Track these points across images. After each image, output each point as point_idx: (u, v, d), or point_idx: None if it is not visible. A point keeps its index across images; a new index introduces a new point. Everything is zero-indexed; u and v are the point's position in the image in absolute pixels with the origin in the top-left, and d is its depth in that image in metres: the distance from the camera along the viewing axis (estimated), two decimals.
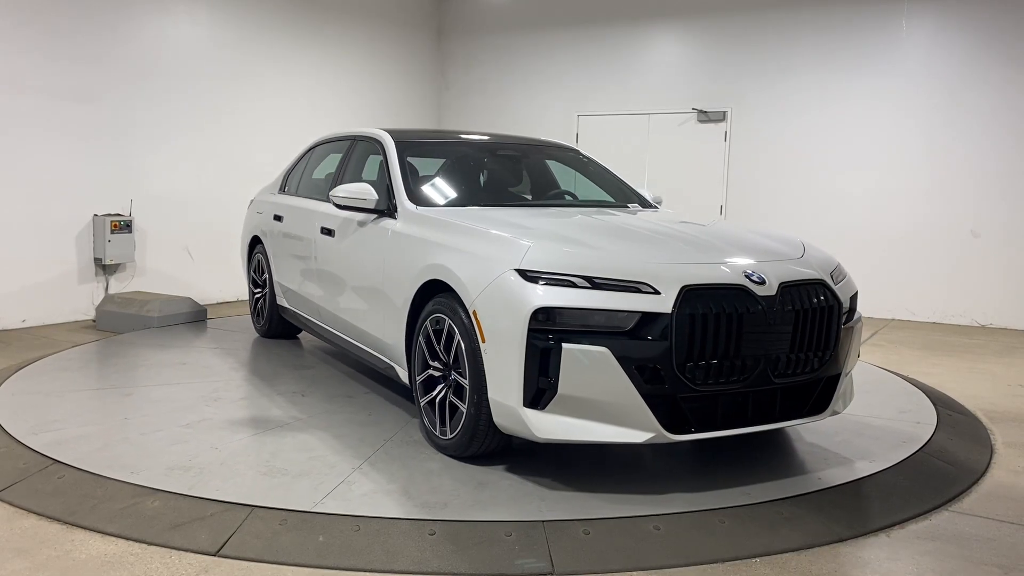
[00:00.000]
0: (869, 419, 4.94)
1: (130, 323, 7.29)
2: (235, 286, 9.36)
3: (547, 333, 3.48)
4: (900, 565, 3.12)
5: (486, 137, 6.04)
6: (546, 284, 3.56)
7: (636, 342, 3.44)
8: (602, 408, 3.49)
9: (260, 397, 5.18)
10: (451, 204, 4.94)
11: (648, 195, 5.53)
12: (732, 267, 3.72)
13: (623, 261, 3.69)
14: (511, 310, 3.56)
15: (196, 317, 7.66)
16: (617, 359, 3.41)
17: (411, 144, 5.37)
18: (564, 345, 3.44)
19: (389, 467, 3.96)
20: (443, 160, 5.59)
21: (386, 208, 4.85)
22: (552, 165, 5.88)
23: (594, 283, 3.53)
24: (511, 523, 3.32)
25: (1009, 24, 8.64)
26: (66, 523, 3.31)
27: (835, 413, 4.06)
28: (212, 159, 9.04)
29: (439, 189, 5.16)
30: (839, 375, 3.97)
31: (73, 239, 7.80)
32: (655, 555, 3.14)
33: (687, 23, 10.41)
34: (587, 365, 3.43)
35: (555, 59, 11.28)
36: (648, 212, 5.20)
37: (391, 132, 5.47)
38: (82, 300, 7.89)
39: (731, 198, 10.21)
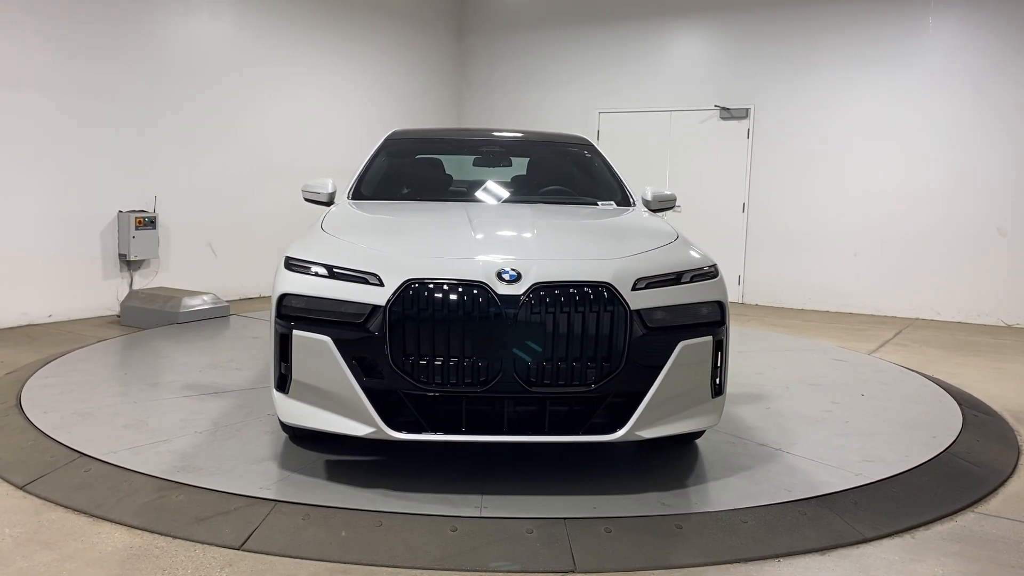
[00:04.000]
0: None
1: (154, 319, 7.36)
2: (257, 282, 9.42)
3: (290, 319, 3.55)
4: (925, 567, 3.09)
5: (490, 134, 6.07)
6: (294, 271, 3.63)
7: (356, 333, 3.42)
8: (330, 397, 3.50)
9: (245, 370, 5.54)
10: (381, 198, 5.04)
11: (648, 193, 5.17)
12: (485, 263, 3.48)
13: (369, 252, 3.65)
14: (273, 296, 3.67)
15: (219, 313, 7.72)
16: (338, 349, 3.41)
17: (397, 140, 5.55)
18: (295, 332, 3.50)
19: (218, 435, 4.30)
20: (439, 155, 5.71)
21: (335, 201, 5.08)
22: (548, 160, 5.78)
23: (332, 272, 3.54)
24: (533, 520, 3.32)
25: None
26: (92, 516, 3.34)
27: (637, 438, 3.51)
28: (235, 156, 9.10)
29: (390, 183, 5.29)
30: (643, 392, 3.47)
31: (98, 235, 7.88)
32: (677, 554, 3.13)
33: (709, 19, 10.35)
34: (312, 353, 3.47)
35: (576, 56, 11.26)
36: (588, 210, 4.93)
37: (397, 131, 5.70)
38: (107, 296, 7.98)
39: (754, 195, 10.15)
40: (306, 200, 5.18)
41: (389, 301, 3.38)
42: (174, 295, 7.60)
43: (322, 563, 3.00)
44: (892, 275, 9.40)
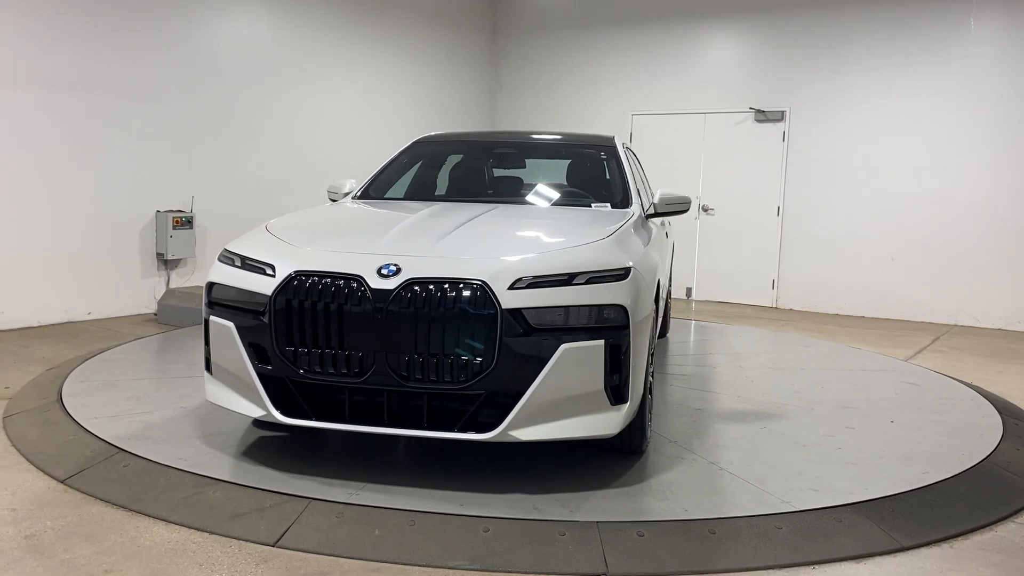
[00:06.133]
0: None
1: (190, 317, 7.46)
2: None
3: (213, 306, 3.81)
4: None
5: (511, 136, 6.22)
6: (222, 263, 3.89)
7: (252, 321, 3.62)
8: (236, 380, 3.72)
9: None
10: (384, 198, 5.22)
11: (656, 195, 4.98)
12: (369, 257, 3.56)
13: (278, 246, 3.83)
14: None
15: None
16: (239, 335, 3.64)
17: (418, 144, 5.73)
18: (211, 317, 3.78)
19: (195, 412, 4.61)
20: (454, 157, 5.84)
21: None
22: (559, 163, 5.80)
23: (244, 263, 3.78)
24: (565, 523, 3.32)
25: None
26: (131, 510, 3.40)
27: (511, 439, 3.43)
28: (270, 157, 9.21)
29: (398, 184, 5.44)
30: (522, 393, 3.39)
31: (137, 235, 8.01)
32: (710, 558, 3.11)
33: (744, 21, 10.27)
34: (223, 337, 3.71)
35: (609, 58, 11.23)
36: (557, 211, 4.89)
37: (424, 136, 5.90)
38: (144, 294, 8.11)
39: (789, 199, 10.06)
40: (330, 200, 5.34)
41: (275, 291, 3.55)
42: None
43: (356, 561, 3.02)
44: (930, 280, 9.26)
